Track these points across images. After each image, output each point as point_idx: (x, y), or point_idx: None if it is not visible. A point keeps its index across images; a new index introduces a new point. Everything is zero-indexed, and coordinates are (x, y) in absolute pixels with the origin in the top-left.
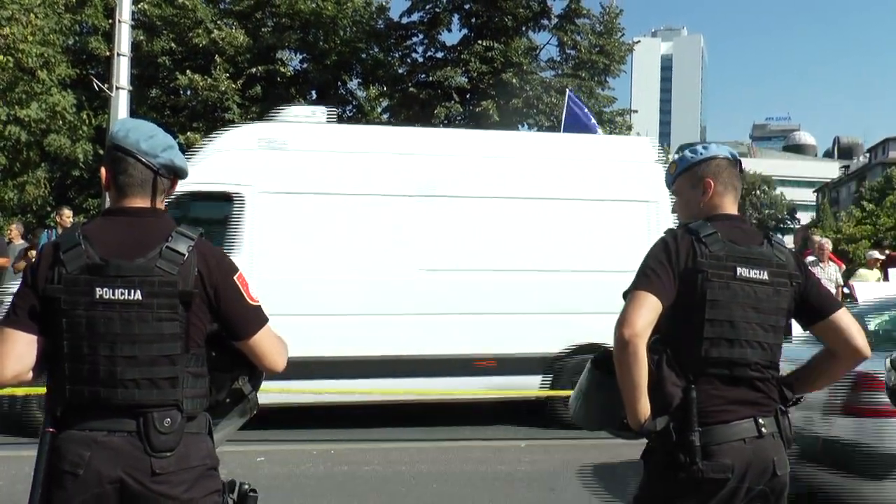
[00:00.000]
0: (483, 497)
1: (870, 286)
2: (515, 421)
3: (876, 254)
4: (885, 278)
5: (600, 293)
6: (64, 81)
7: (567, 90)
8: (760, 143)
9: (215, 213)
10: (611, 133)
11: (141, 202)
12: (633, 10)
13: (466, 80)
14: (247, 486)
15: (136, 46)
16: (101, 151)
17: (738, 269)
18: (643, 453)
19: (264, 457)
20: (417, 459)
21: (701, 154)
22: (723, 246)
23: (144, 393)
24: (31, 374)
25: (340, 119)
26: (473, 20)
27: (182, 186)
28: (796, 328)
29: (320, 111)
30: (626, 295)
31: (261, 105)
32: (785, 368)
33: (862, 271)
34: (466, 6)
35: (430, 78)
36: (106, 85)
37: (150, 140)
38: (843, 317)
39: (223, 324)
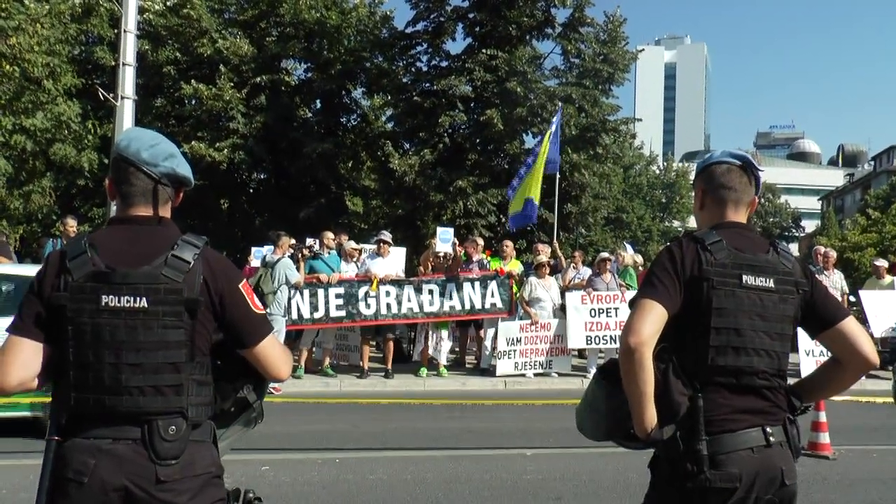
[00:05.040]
0: None
1: (877, 294)
2: (521, 429)
3: (880, 261)
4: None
5: None
6: (69, 91)
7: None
8: (764, 151)
9: None
10: (615, 142)
11: (144, 211)
12: (636, 19)
13: (471, 88)
14: (251, 495)
15: (141, 56)
16: (107, 161)
17: (744, 277)
18: (650, 462)
19: (269, 465)
20: (422, 468)
21: (703, 163)
22: (728, 254)
23: (149, 400)
24: (36, 382)
25: (344, 128)
26: (477, 29)
27: None
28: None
29: None
30: (632, 303)
31: (265, 114)
32: None
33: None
34: (471, 15)
35: (435, 87)
36: (111, 94)
37: (151, 149)
38: (851, 325)
39: (228, 332)
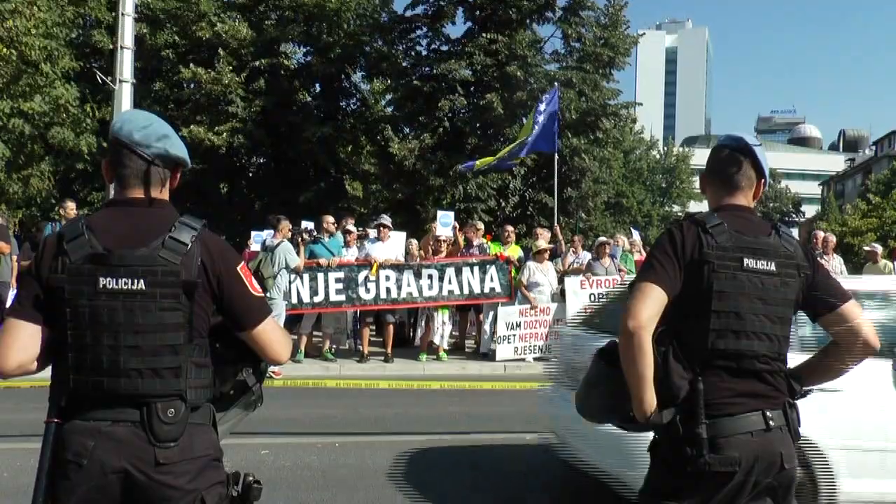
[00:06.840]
0: (495, 488)
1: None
2: (520, 413)
3: (875, 246)
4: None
5: None
6: (67, 74)
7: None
8: (765, 136)
9: None
10: (615, 126)
11: (139, 193)
12: (637, 3)
13: (471, 73)
14: (251, 478)
15: (139, 39)
16: (105, 144)
17: (745, 260)
18: (650, 446)
19: (269, 449)
20: (422, 452)
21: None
22: (729, 237)
23: (148, 383)
24: (35, 365)
25: (344, 112)
26: (478, 13)
27: None
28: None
29: None
30: (631, 286)
31: (264, 98)
32: None
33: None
34: None
35: (435, 71)
36: (109, 78)
37: (143, 130)
38: (852, 309)
39: (227, 314)
